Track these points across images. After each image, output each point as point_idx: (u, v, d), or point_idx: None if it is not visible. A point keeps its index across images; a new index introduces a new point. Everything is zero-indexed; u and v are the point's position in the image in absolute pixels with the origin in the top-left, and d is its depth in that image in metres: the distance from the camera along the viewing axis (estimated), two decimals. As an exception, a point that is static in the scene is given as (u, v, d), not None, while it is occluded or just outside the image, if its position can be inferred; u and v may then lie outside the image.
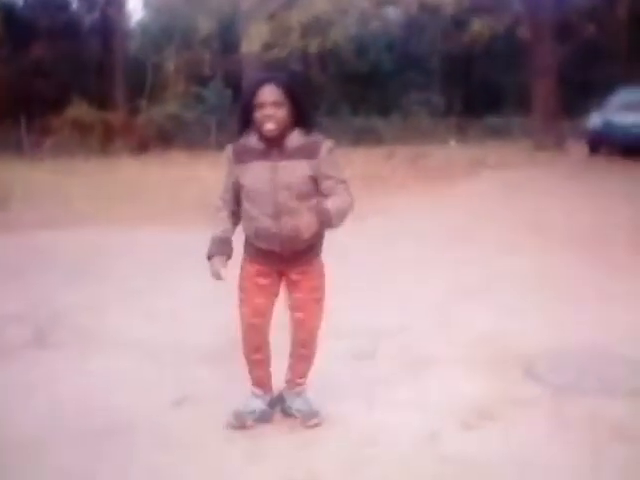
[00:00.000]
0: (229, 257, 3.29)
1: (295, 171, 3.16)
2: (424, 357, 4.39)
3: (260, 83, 3.16)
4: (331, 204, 3.09)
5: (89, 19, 27.69)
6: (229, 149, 3.30)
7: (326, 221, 3.10)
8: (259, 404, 3.50)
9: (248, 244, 3.35)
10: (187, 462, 3.15)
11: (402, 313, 5.33)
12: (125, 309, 5.52)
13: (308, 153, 3.17)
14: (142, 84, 25.04)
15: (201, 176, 13.64)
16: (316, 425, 3.45)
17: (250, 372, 3.49)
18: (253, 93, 3.14)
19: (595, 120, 16.29)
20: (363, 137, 23.40)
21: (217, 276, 3.23)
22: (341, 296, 5.60)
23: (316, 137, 3.22)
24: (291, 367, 3.54)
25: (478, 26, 18.66)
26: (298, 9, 17.29)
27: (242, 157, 3.23)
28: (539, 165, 14.49)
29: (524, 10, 19.04)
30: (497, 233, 8.45)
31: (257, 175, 3.18)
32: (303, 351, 3.48)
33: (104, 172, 14.97)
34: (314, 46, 18.67)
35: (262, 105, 3.11)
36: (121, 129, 21.84)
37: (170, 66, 25.36)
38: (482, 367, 4.19)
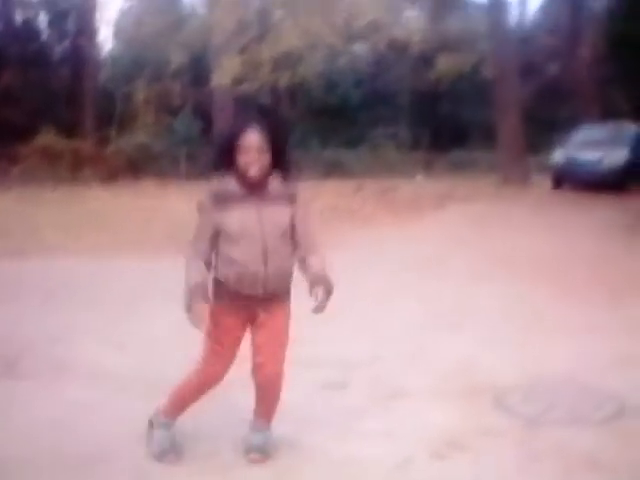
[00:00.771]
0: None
1: (280, 216, 3.21)
2: (395, 388, 4.44)
3: (245, 126, 3.16)
4: (322, 268, 3.20)
5: (60, 48, 27.65)
6: (207, 196, 3.21)
7: (330, 288, 3.19)
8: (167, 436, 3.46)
9: (221, 290, 3.26)
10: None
11: (373, 344, 5.38)
12: (96, 339, 5.48)
13: (288, 199, 3.24)
14: (112, 114, 24.99)
15: (171, 206, 13.64)
16: (253, 461, 3.37)
17: (178, 402, 3.47)
18: (237, 135, 3.14)
19: (558, 156, 16.69)
20: (332, 170, 23.59)
21: (199, 325, 3.09)
22: (311, 327, 5.63)
23: (293, 184, 3.28)
24: (255, 407, 3.49)
25: (444, 64, 19.07)
26: (268, 44, 17.48)
27: (222, 202, 3.17)
28: (505, 199, 14.75)
29: (489, 49, 19.51)
30: (465, 265, 8.58)
31: (242, 220, 3.16)
32: (263, 394, 3.42)
33: (73, 201, 14.87)
34: (284, 80, 18.86)
35: (247, 150, 3.12)
36: (90, 158, 21.72)
37: (140, 96, 25.37)
38: (453, 398, 4.25)
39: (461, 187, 16.54)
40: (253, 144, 3.12)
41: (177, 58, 20.19)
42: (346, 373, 4.67)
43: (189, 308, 3.11)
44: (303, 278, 3.28)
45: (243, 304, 3.25)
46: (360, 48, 25.15)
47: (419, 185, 18.84)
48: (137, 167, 22.56)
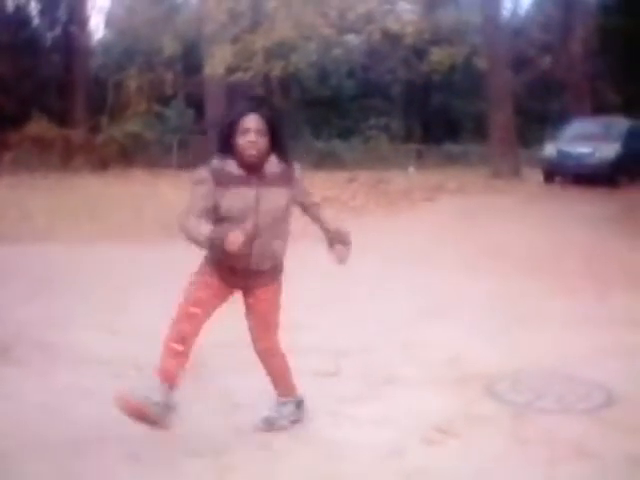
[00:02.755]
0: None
1: (276, 198, 3.38)
2: (386, 375, 4.48)
3: (246, 112, 3.35)
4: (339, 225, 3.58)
5: (51, 36, 27.47)
6: (207, 171, 3.34)
7: (348, 240, 3.59)
8: (162, 396, 3.29)
9: (211, 262, 3.41)
10: (154, 476, 3.17)
11: (363, 333, 5.43)
12: (88, 325, 5.49)
13: (285, 180, 3.41)
14: (103, 102, 24.87)
15: (162, 194, 13.63)
16: (262, 430, 3.60)
17: (163, 361, 3.34)
18: (237, 120, 3.32)
19: (550, 149, 16.78)
20: (325, 161, 23.60)
21: (235, 245, 3.11)
22: (301, 316, 5.70)
23: (290, 166, 3.45)
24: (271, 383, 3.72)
25: (437, 56, 19.07)
26: (262, 34, 17.44)
27: (221, 180, 3.31)
28: (496, 192, 14.82)
29: (482, 41, 19.53)
30: (456, 256, 8.63)
31: (239, 200, 3.30)
32: (267, 369, 3.65)
33: (64, 189, 14.82)
34: (277, 70, 18.82)
35: (246, 131, 3.29)
36: (81, 146, 21.65)
37: (132, 85, 25.25)
38: (444, 385, 4.30)
39: (453, 179, 16.60)
40: (252, 126, 3.29)
41: (169, 47, 20.10)
42: (338, 361, 4.70)
43: (218, 246, 3.17)
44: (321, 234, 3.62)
45: (228, 276, 3.40)
46: (353, 39, 25.12)
47: (411, 177, 18.89)
48: (128, 156, 22.50)
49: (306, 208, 3.57)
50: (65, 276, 7.29)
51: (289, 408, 3.69)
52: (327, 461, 3.32)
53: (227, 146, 3.34)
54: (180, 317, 3.37)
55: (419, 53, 22.78)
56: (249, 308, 3.53)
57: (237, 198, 3.30)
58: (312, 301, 6.29)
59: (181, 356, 3.35)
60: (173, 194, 13.68)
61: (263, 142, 3.31)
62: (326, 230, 3.59)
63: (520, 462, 3.36)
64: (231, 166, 3.33)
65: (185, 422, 3.63)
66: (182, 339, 3.35)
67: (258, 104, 3.73)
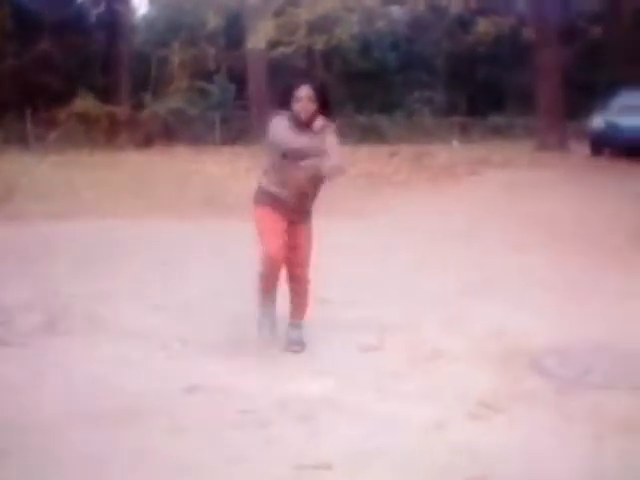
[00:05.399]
0: None
1: (316, 144, 4.28)
2: (431, 350, 4.45)
3: (301, 82, 4.36)
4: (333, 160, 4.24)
5: (95, 13, 27.70)
6: (278, 120, 4.37)
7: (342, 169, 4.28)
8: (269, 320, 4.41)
9: (264, 194, 4.38)
10: (200, 447, 3.20)
11: (408, 308, 5.39)
12: (134, 299, 5.57)
13: (322, 132, 4.32)
14: (147, 78, 25.05)
15: (206, 170, 13.72)
16: (296, 351, 4.41)
17: (262, 285, 4.37)
18: (294, 87, 4.31)
19: (598, 121, 16.34)
20: (367, 135, 23.44)
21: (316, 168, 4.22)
22: (347, 291, 5.70)
23: (329, 124, 4.38)
24: (290, 308, 4.56)
25: (483, 26, 18.68)
26: (304, 6, 17.28)
27: (280, 129, 4.33)
28: (542, 165, 14.53)
29: (529, 11, 19.08)
30: (502, 231, 8.51)
31: (293, 143, 4.27)
32: (294, 293, 4.52)
33: (109, 165, 15.00)
34: (320, 44, 18.66)
35: (300, 99, 4.27)
36: (126, 123, 21.87)
37: (175, 60, 25.36)
38: (489, 360, 4.25)
39: (497, 153, 16.34)
40: (304, 95, 4.27)
41: (212, 21, 20.08)
42: (382, 336, 4.69)
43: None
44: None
45: (281, 206, 4.33)
46: (397, 10, 24.76)
47: (455, 151, 18.66)
48: (172, 132, 22.65)
49: (327, 151, 4.29)
50: (110, 251, 7.39)
51: (300, 330, 4.52)
52: (372, 436, 3.32)
53: (286, 105, 4.33)
54: (266, 238, 4.28)
55: (464, 24, 22.34)
56: (292, 241, 4.35)
57: (291, 141, 4.26)
58: (356, 276, 6.29)
59: (275, 270, 4.31)
60: (216, 170, 13.79)
61: (311, 107, 4.28)
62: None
63: (566, 438, 3.31)
64: (289, 119, 4.31)
65: (230, 395, 3.67)
66: (272, 255, 4.24)
67: (309, 76, 4.51)
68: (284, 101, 4.39)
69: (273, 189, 4.35)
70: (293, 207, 4.36)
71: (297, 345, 4.46)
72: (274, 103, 4.87)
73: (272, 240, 4.27)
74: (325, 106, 4.39)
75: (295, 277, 4.48)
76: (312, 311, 4.58)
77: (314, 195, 4.47)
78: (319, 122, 4.32)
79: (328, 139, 4.32)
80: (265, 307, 4.45)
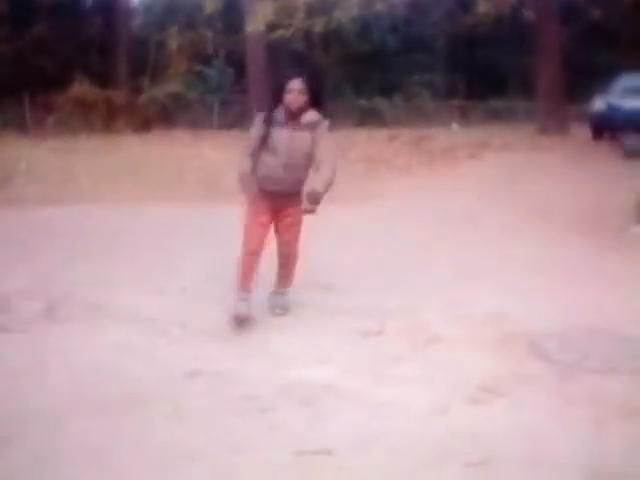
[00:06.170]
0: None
1: (304, 139, 4.51)
2: (431, 335, 4.45)
3: (291, 75, 4.55)
4: (320, 184, 4.38)
5: (92, -4, 27.48)
6: (262, 115, 4.61)
7: (317, 201, 4.39)
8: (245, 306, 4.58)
9: (259, 191, 4.56)
10: (202, 433, 3.21)
11: (407, 292, 5.38)
12: (134, 285, 5.56)
13: (313, 127, 4.52)
14: (144, 62, 24.86)
15: (204, 155, 13.66)
16: (279, 314, 4.78)
17: (242, 273, 4.59)
18: (285, 81, 4.50)
19: (599, 104, 16.26)
20: (366, 118, 23.33)
21: (246, 190, 4.58)
22: (345, 276, 5.69)
23: (319, 118, 4.54)
24: (277, 276, 4.89)
25: (483, 7, 18.52)
26: (303, -11, 17.16)
27: (271, 121, 4.54)
28: (542, 149, 14.49)
29: (529, -9, 18.93)
30: (501, 215, 8.49)
31: (280, 137, 4.50)
32: (282, 264, 4.83)
33: (107, 150, 14.93)
34: (319, 26, 18.52)
35: (291, 91, 4.46)
36: (124, 107, 21.74)
37: (173, 45, 25.18)
38: (489, 344, 4.26)
39: (497, 136, 16.28)
40: (295, 88, 4.46)
41: (210, 4, 19.91)
42: (382, 320, 4.69)
43: (240, 181, 4.61)
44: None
45: (268, 196, 4.57)
46: (396, -8, 24.57)
47: (454, 134, 18.59)
48: (170, 116, 22.54)
49: (314, 152, 4.49)
50: (109, 236, 7.37)
51: (284, 296, 4.88)
52: (372, 420, 3.32)
53: (278, 99, 4.52)
54: (248, 234, 4.56)
55: (464, 5, 22.14)
56: (283, 221, 4.68)
57: (278, 135, 4.49)
58: (355, 261, 6.28)
59: (253, 263, 4.58)
60: (215, 155, 13.73)
61: (302, 99, 4.47)
62: (309, 185, 4.48)
63: (566, 421, 3.32)
64: (280, 113, 4.51)
65: (232, 381, 3.67)
66: (252, 251, 4.55)
67: (301, 67, 4.67)
68: (277, 98, 4.56)
69: (261, 180, 4.56)
70: (277, 195, 4.57)
71: (281, 308, 4.82)
72: (268, 100, 5.09)
73: (254, 236, 4.55)
74: (318, 100, 4.56)
75: (284, 254, 4.80)
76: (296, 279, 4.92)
77: (301, 182, 4.62)
78: (309, 115, 4.49)
79: (322, 142, 4.47)
80: (243, 291, 4.62)
